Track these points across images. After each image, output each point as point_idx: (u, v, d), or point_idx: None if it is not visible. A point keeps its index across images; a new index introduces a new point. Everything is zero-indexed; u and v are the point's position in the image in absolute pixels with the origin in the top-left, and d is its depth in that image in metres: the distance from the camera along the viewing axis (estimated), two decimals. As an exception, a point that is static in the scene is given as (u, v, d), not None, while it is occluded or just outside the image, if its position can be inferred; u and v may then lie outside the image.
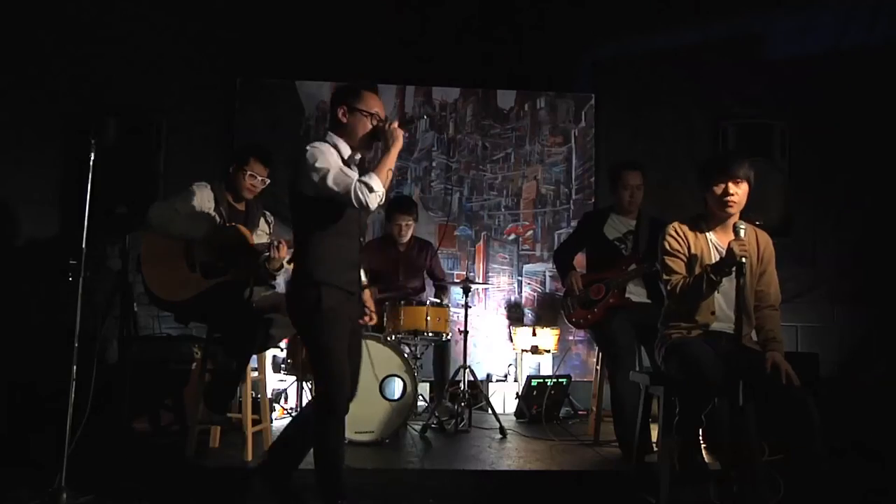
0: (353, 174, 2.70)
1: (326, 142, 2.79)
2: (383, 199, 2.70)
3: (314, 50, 5.38)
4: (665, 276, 3.04)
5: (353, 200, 2.62)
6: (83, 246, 3.09)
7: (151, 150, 4.23)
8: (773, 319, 3.04)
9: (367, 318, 3.77)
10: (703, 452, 3.09)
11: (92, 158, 3.11)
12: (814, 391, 2.74)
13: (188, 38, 5.09)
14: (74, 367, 3.01)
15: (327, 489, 2.73)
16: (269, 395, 3.98)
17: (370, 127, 2.80)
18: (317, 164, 2.65)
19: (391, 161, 2.76)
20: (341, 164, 2.72)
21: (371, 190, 2.63)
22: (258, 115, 5.37)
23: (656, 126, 5.50)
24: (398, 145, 2.76)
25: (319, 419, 2.74)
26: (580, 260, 4.29)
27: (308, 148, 2.70)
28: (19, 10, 4.61)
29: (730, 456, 2.90)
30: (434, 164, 5.71)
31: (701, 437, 3.05)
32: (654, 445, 3.42)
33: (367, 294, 3.07)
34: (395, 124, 2.75)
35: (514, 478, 3.48)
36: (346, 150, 2.81)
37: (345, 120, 2.80)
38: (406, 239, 4.84)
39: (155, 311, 4.45)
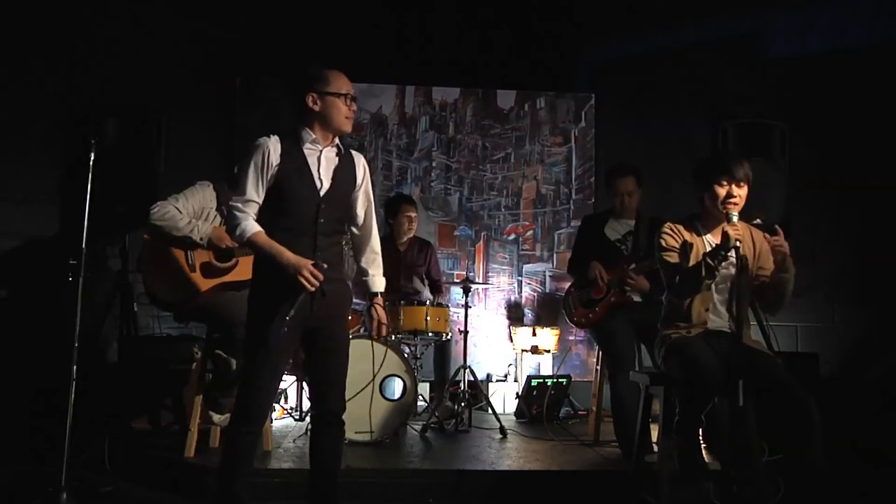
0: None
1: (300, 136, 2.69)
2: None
3: (314, 50, 5.37)
4: (663, 272, 3.04)
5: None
6: (83, 246, 3.09)
7: (151, 150, 4.22)
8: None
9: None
10: (703, 452, 3.09)
11: (92, 158, 3.11)
12: (814, 393, 2.74)
13: (188, 38, 5.09)
14: (74, 367, 3.01)
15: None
16: (269, 395, 3.97)
17: (344, 109, 2.68)
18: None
19: (272, 256, 2.58)
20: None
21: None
22: (258, 114, 5.37)
23: (656, 126, 5.50)
24: (298, 276, 2.54)
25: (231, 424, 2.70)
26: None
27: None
28: (19, 10, 4.60)
29: (730, 456, 2.90)
30: (434, 164, 5.71)
31: (701, 437, 3.05)
32: (654, 445, 3.42)
33: (378, 305, 2.87)
34: (306, 274, 2.54)
35: (514, 478, 3.48)
36: (319, 142, 2.70)
37: (316, 107, 2.67)
38: (412, 234, 4.87)
39: (155, 311, 4.45)
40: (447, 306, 4.54)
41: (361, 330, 4.42)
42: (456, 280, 5.07)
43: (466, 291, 4.52)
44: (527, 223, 5.73)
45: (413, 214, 4.85)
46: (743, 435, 2.80)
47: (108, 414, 3.80)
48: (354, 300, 5.26)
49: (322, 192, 2.67)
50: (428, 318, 4.28)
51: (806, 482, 2.72)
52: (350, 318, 4.31)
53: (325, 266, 2.56)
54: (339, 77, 2.72)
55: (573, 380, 5.05)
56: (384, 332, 2.91)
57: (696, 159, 3.19)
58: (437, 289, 4.96)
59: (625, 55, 5.58)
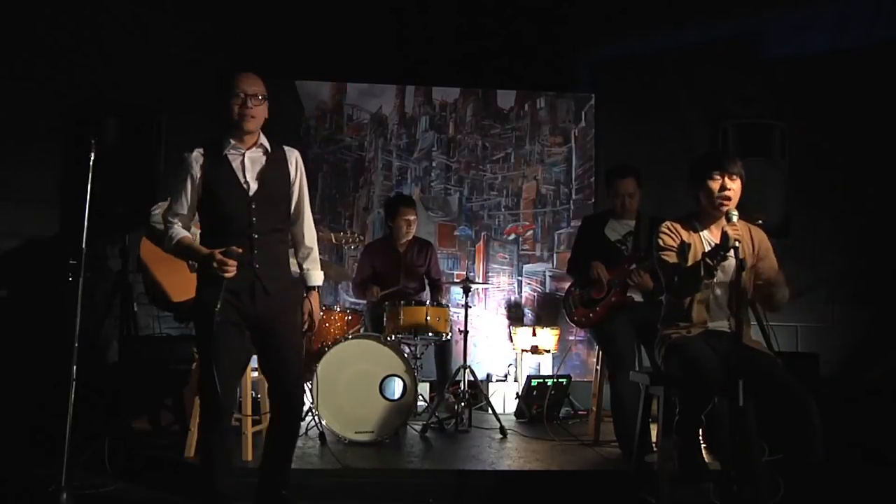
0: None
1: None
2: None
3: (314, 50, 5.38)
4: (661, 272, 3.05)
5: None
6: (83, 246, 3.09)
7: (151, 150, 4.22)
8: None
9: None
10: (703, 452, 3.09)
11: (92, 158, 3.11)
12: (814, 393, 2.74)
13: (188, 38, 5.09)
14: (74, 367, 3.01)
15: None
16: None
17: (236, 109, 2.71)
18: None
19: (190, 257, 2.75)
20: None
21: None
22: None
23: (656, 126, 5.50)
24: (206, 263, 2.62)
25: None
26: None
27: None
28: (19, 10, 4.60)
29: (730, 456, 2.90)
30: (434, 164, 5.71)
31: (701, 437, 3.05)
32: (654, 445, 3.43)
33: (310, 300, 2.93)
34: (214, 264, 2.59)
35: (514, 478, 3.49)
36: (240, 146, 2.75)
37: (223, 114, 2.74)
38: (411, 236, 4.87)
39: (155, 311, 4.45)
40: (447, 306, 4.54)
41: (361, 330, 4.43)
42: (456, 280, 5.07)
43: (466, 291, 4.52)
44: (527, 223, 5.73)
45: (412, 217, 4.84)
46: (743, 435, 2.80)
47: (108, 414, 3.80)
48: (354, 300, 5.32)
49: (251, 193, 2.73)
50: (428, 317, 4.28)
51: (806, 482, 2.72)
52: (350, 317, 4.35)
53: (240, 251, 2.60)
54: (235, 78, 2.76)
55: (573, 380, 5.05)
56: (313, 327, 2.96)
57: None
58: (436, 289, 4.96)
59: (625, 55, 5.58)
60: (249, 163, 2.75)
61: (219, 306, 2.57)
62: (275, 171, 2.79)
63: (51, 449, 3.07)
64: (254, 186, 2.73)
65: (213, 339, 2.61)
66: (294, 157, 2.86)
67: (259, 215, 2.72)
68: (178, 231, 2.72)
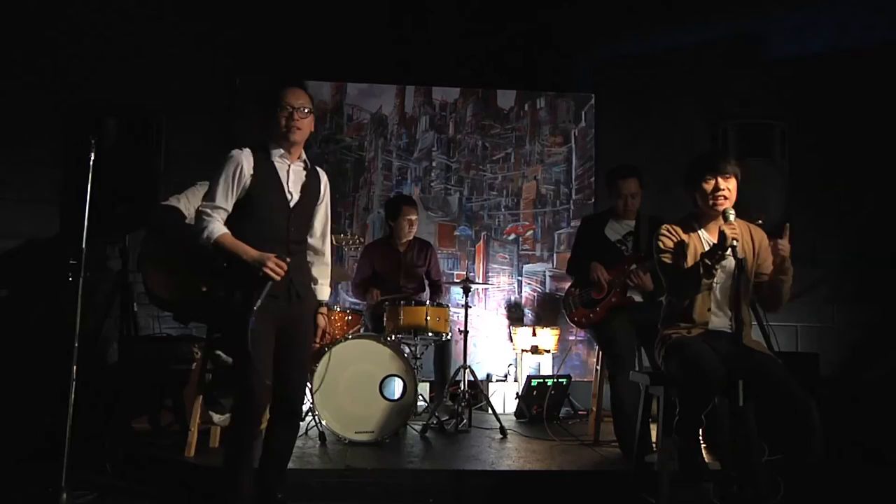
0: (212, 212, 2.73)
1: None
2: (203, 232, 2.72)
3: (314, 50, 5.38)
4: (662, 273, 3.05)
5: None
6: (83, 246, 3.10)
7: (151, 150, 4.22)
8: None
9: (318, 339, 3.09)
10: (703, 452, 3.09)
11: (92, 158, 3.12)
12: (814, 393, 2.74)
13: (188, 38, 5.09)
14: (74, 367, 3.01)
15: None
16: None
17: (283, 121, 2.78)
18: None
19: (238, 255, 2.71)
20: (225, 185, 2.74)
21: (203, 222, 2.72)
22: (258, 114, 5.36)
23: (656, 126, 5.50)
24: (261, 266, 2.66)
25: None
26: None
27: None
28: (19, 10, 4.61)
29: (730, 456, 2.90)
30: (434, 164, 5.71)
31: (701, 437, 3.05)
32: (654, 445, 3.42)
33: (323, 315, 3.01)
34: (270, 265, 2.65)
35: (514, 478, 3.48)
36: (287, 157, 2.83)
37: (271, 125, 2.82)
38: (412, 236, 4.88)
39: (155, 311, 4.45)
40: (447, 306, 4.54)
41: (361, 330, 4.43)
42: (456, 280, 5.07)
43: (466, 291, 4.52)
44: (527, 223, 5.73)
45: (414, 217, 4.85)
46: (743, 435, 2.80)
47: (108, 414, 3.80)
48: (353, 300, 5.32)
49: (292, 204, 2.82)
50: (428, 317, 4.28)
51: (806, 482, 2.72)
52: (350, 317, 4.35)
53: (289, 259, 2.69)
54: (283, 92, 2.82)
55: (573, 380, 5.05)
56: (327, 340, 3.06)
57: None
58: (436, 289, 4.96)
59: (625, 55, 5.59)
60: (293, 174, 2.85)
61: (258, 305, 2.63)
62: (312, 186, 2.90)
63: (51, 449, 3.07)
64: (295, 197, 2.83)
65: (255, 338, 2.65)
66: (325, 179, 2.98)
67: (295, 225, 2.83)
68: (218, 227, 2.71)
